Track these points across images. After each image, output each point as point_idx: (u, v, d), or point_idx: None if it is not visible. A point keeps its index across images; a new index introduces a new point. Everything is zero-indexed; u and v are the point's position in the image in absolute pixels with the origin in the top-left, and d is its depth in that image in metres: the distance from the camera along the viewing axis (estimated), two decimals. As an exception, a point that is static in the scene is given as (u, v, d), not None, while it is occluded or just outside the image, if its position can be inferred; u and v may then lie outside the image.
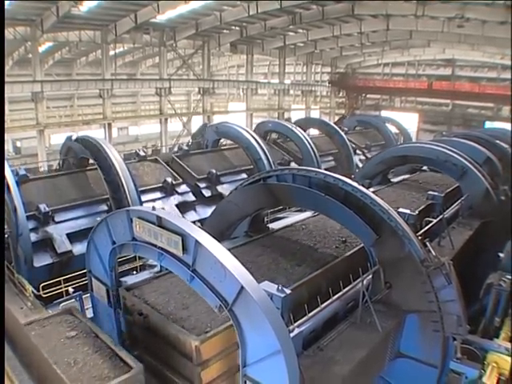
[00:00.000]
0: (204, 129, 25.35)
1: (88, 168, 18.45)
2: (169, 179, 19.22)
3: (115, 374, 6.29)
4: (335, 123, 38.64)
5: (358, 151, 30.57)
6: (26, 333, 7.24)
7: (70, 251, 15.17)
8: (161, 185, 19.09)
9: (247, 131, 22.45)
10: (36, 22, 28.13)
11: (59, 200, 16.64)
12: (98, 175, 16.69)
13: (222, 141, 25.35)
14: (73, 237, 15.59)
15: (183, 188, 19.98)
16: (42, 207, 15.49)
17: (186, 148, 22.90)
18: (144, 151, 21.32)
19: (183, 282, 7.20)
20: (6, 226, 13.85)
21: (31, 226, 14.99)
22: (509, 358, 8.59)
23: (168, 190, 18.99)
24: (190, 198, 19.81)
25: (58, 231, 15.64)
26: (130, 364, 6.46)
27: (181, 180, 20.15)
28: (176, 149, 23.41)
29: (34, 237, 14.93)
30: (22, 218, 13.92)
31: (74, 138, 18.49)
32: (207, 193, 20.18)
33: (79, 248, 15.02)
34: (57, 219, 15.94)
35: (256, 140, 21.59)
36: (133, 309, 8.23)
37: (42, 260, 14.72)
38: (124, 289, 8.48)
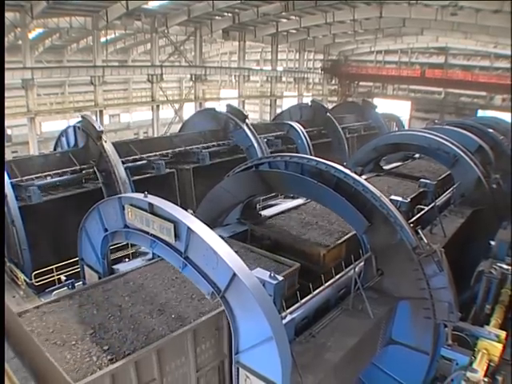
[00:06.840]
0: (238, 126, 23.00)
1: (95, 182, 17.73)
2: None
3: (282, 269, 8.85)
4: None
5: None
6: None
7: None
8: None
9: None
10: (25, 7, 27.60)
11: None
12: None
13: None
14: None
15: None
16: None
17: (209, 162, 21.37)
18: (167, 163, 19.92)
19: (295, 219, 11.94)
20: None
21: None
22: (499, 345, 8.68)
23: None
24: None
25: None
26: (288, 263, 9.21)
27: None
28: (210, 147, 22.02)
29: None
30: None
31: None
32: None
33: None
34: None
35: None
36: (262, 237, 11.20)
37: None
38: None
